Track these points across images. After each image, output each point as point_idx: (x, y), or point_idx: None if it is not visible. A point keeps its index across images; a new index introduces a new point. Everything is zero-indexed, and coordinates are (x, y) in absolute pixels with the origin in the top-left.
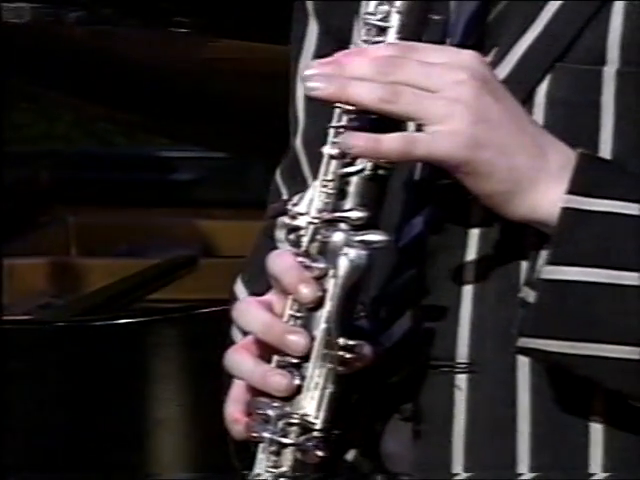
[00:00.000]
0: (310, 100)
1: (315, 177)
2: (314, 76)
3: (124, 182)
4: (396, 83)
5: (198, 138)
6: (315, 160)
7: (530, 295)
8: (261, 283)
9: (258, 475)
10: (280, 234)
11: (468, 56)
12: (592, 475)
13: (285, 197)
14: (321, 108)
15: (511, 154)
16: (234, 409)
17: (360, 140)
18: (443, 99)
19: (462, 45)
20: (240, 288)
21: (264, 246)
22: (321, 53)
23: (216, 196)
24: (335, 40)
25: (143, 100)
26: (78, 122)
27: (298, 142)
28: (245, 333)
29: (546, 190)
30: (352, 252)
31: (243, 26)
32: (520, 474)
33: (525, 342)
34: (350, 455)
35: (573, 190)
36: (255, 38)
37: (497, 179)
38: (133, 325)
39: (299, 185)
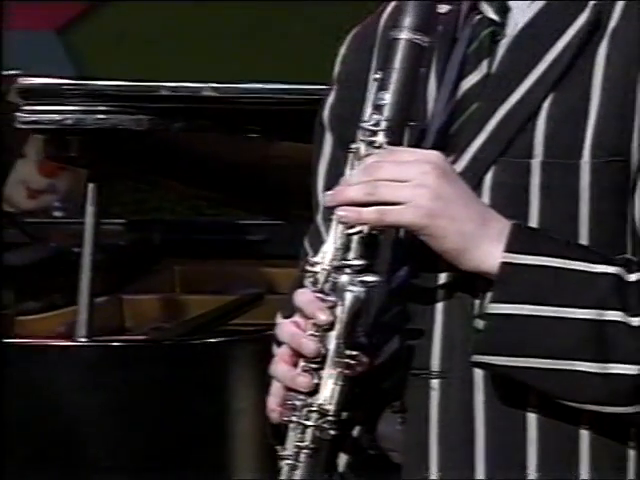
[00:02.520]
0: (326, 190)
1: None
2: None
3: (213, 241)
4: (378, 180)
5: (264, 210)
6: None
7: (480, 324)
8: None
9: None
10: (307, 282)
11: (432, 155)
12: (527, 475)
13: (310, 257)
14: None
15: (460, 222)
16: (272, 402)
17: (346, 212)
18: (410, 186)
19: (434, 145)
20: (279, 320)
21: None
22: (333, 156)
23: (276, 251)
24: (343, 147)
25: (226, 184)
26: (181, 199)
27: (319, 218)
28: (279, 345)
29: (489, 249)
30: (355, 289)
31: (295, 133)
32: None
33: (477, 358)
34: (354, 432)
35: (508, 249)
36: (304, 141)
37: (449, 240)
38: (219, 343)
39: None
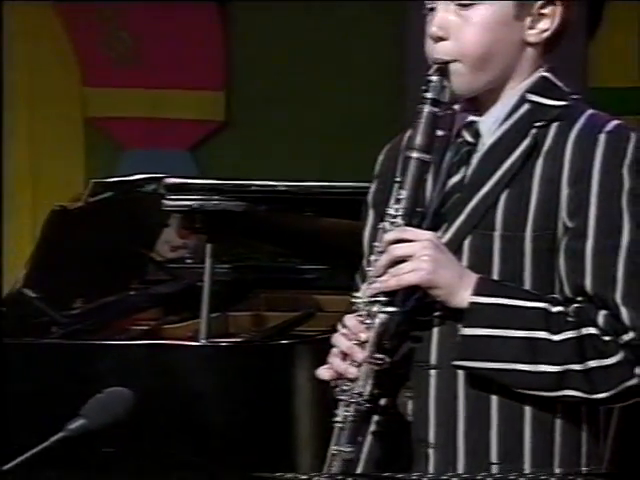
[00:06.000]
0: (369, 245)
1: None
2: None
3: (284, 278)
4: (398, 256)
5: (317, 259)
6: None
7: (459, 339)
8: None
9: (339, 416)
10: (353, 308)
11: (428, 234)
12: (491, 464)
13: (355, 291)
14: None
15: (448, 277)
16: (324, 370)
17: (381, 284)
18: (415, 257)
19: (432, 221)
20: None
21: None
22: (374, 225)
23: (323, 285)
24: (380, 219)
25: (293, 243)
26: (264, 252)
27: (364, 262)
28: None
29: (464, 294)
30: (382, 316)
31: (337, 213)
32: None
33: (455, 362)
34: (382, 401)
35: (474, 294)
36: (343, 218)
37: (442, 289)
38: (287, 344)
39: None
